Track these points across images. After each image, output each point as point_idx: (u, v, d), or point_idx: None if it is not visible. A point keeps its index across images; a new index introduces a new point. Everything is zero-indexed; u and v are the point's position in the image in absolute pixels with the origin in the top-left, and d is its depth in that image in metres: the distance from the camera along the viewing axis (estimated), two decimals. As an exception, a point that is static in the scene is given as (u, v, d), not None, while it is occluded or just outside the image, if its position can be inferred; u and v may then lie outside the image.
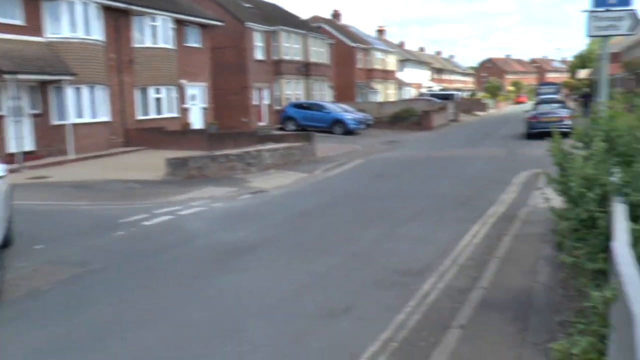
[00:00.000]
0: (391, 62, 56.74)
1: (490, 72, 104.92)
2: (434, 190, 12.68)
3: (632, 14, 8.13)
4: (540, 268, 6.58)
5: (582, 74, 71.87)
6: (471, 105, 54.78)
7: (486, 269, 6.75)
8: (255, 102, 31.85)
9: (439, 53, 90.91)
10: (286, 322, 5.49)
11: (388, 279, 6.67)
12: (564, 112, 23.13)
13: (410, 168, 17.00)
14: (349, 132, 29.29)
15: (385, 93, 53.12)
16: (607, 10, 8.10)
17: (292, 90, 35.30)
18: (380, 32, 63.58)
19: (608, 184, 4.39)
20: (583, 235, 4.52)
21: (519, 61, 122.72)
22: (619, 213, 3.92)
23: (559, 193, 5.04)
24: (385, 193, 12.79)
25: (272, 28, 32.96)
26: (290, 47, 34.90)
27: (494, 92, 74.72)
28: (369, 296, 6.19)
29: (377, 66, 52.13)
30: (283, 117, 31.32)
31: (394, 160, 19.24)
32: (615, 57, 53.50)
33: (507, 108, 68.16)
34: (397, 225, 9.45)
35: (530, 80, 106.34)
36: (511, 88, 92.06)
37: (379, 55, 53.08)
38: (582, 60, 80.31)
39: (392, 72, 56.67)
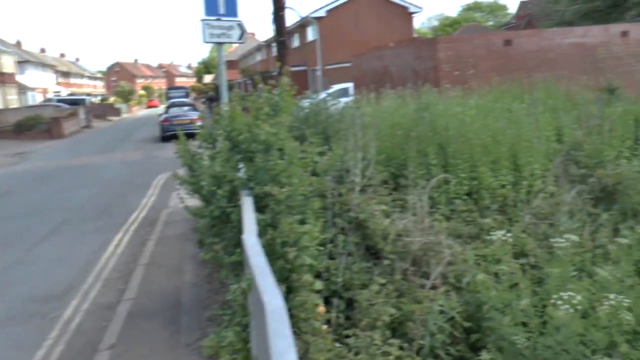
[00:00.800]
0: (8, 63, 49.88)
1: (120, 76, 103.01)
2: (73, 202, 11.74)
3: (240, 24, 9.01)
4: (186, 267, 6.74)
5: (208, 78, 77.58)
6: (104, 110, 53.15)
7: (132, 279, 6.57)
8: None
9: (63, 55, 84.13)
10: None
11: (24, 311, 5.91)
12: (194, 115, 24.32)
13: (44, 180, 15.42)
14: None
15: (5, 99, 46.53)
16: (219, 20, 8.76)
17: None
18: (-12, 29, 55.24)
19: (235, 179, 4.70)
20: (219, 231, 4.75)
21: (148, 66, 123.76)
22: (247, 206, 4.23)
23: (191, 193, 5.16)
24: (16, 212, 11.22)
25: None
26: None
27: (126, 96, 74.01)
28: (1, 337, 5.31)
29: (-8, 68, 45.29)
30: None
31: (25, 173, 17.24)
32: (233, 64, 59.69)
33: (140, 112, 68.24)
34: (33, 246, 8.43)
35: (160, 84, 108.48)
36: (142, 92, 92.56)
37: (-8, 55, 46.09)
38: (206, 66, 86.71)
39: (10, 74, 49.92)
